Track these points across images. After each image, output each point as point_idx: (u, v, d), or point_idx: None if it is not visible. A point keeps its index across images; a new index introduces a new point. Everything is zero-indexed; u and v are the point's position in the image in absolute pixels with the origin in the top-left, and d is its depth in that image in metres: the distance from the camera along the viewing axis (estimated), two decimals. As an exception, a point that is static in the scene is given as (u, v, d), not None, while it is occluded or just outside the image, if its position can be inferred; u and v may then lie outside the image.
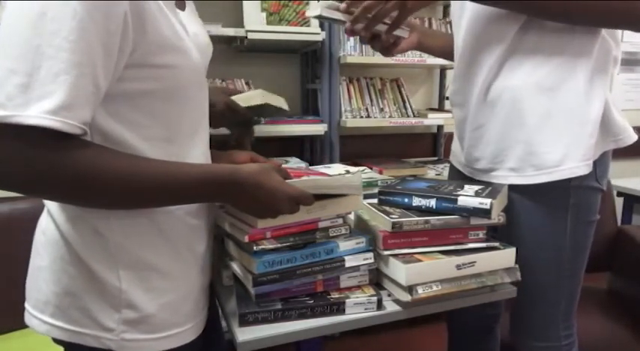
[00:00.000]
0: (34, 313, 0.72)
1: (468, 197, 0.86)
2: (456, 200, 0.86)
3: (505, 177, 0.98)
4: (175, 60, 0.66)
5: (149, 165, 0.64)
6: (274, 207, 0.71)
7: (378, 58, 2.12)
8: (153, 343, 0.70)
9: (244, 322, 0.76)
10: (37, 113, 0.53)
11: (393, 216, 0.84)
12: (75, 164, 0.58)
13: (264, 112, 1.22)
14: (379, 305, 0.82)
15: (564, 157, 0.92)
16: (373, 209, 0.89)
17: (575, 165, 0.92)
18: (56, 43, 0.54)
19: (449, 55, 1.18)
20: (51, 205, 0.70)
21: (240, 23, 1.83)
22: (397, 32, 1.04)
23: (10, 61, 0.54)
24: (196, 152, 0.75)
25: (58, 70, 0.54)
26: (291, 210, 0.73)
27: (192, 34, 0.72)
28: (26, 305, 0.74)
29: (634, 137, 0.99)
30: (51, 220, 0.70)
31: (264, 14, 1.86)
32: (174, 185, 0.65)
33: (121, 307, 0.68)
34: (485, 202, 0.84)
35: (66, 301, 0.68)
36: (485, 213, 0.84)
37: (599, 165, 0.96)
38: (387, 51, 1.10)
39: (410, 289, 0.80)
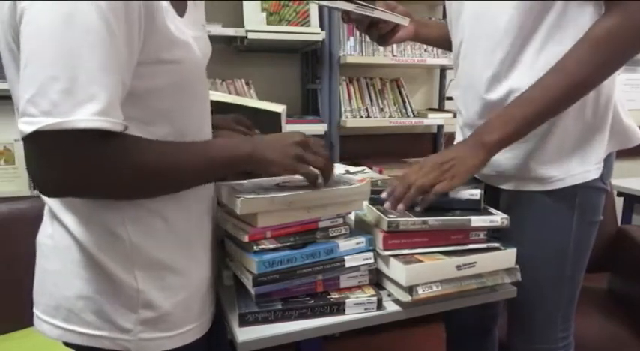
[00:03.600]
0: (44, 318, 0.71)
1: (458, 190, 0.89)
2: (447, 193, 0.88)
3: (515, 185, 0.98)
4: (181, 55, 0.67)
5: (187, 145, 0.68)
6: (287, 139, 0.74)
7: (378, 58, 2.12)
8: (168, 340, 0.71)
9: (244, 322, 0.76)
10: (87, 116, 0.54)
11: (391, 216, 0.84)
12: (126, 158, 0.60)
13: (259, 119, 1.19)
14: (379, 305, 0.81)
15: (575, 164, 0.92)
16: (373, 209, 0.89)
17: (585, 169, 0.92)
18: (89, 44, 0.54)
19: (444, 44, 1.18)
20: (59, 210, 0.69)
21: (240, 23, 1.83)
22: (397, 21, 1.04)
23: (48, 67, 0.53)
24: None
25: (97, 70, 0.55)
26: (304, 141, 0.75)
27: (192, 37, 0.72)
28: (35, 311, 0.73)
29: None
30: (59, 225, 0.69)
31: (264, 14, 1.86)
32: (208, 155, 0.69)
33: (137, 307, 0.68)
34: (475, 194, 0.86)
35: (79, 305, 0.68)
36: (476, 204, 0.86)
37: (605, 166, 0.96)
38: (384, 40, 1.10)
39: (410, 289, 0.79)
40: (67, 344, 0.71)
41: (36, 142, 0.55)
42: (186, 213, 0.73)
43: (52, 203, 0.70)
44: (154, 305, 0.69)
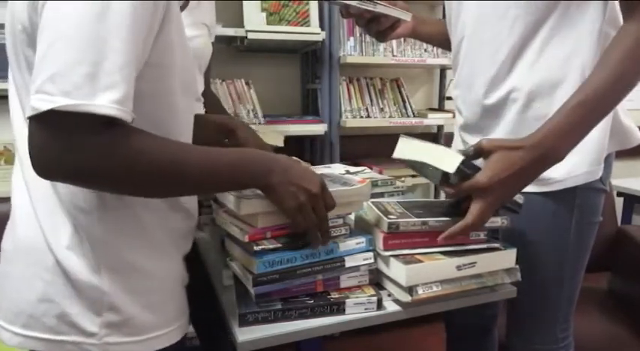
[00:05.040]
0: (3, 326, 0.68)
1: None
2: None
3: None
4: (179, 61, 0.67)
5: (194, 148, 0.67)
6: (306, 184, 0.71)
7: (378, 58, 2.12)
8: (137, 345, 0.68)
9: (244, 322, 0.76)
10: (106, 103, 0.54)
11: (392, 216, 0.84)
12: (132, 149, 0.59)
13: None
14: (379, 305, 0.82)
15: (575, 165, 0.92)
16: (373, 209, 0.89)
17: (585, 170, 0.92)
18: (121, 35, 0.55)
19: (443, 42, 1.18)
20: (25, 212, 0.68)
21: (240, 23, 1.83)
22: (399, 15, 1.04)
23: (76, 51, 0.54)
24: None
25: (122, 61, 0.56)
26: (317, 196, 0.72)
27: (192, 35, 0.72)
28: None
29: (639, 139, 0.99)
30: (24, 226, 0.68)
31: (264, 14, 1.86)
32: (217, 163, 0.67)
33: (102, 310, 0.66)
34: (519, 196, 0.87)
35: (41, 309, 0.65)
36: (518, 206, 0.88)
37: (604, 166, 0.96)
38: (383, 36, 1.10)
39: (410, 289, 0.79)
40: None
41: (46, 121, 0.55)
42: (158, 213, 0.71)
43: (30, 199, 0.69)
44: (120, 308, 0.67)
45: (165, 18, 0.62)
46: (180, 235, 0.76)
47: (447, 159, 0.79)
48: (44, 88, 0.54)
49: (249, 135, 0.98)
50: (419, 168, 0.90)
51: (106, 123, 0.56)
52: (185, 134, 0.75)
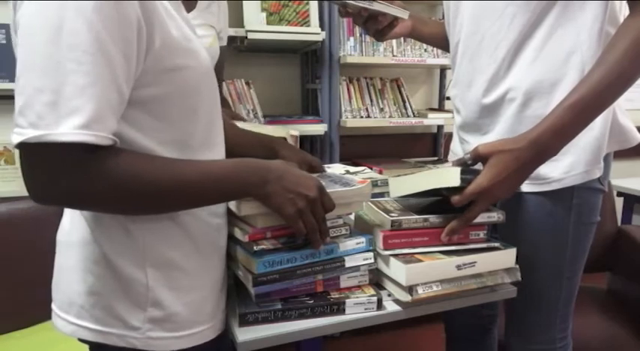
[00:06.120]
0: (59, 314, 0.73)
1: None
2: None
3: None
4: (185, 62, 0.66)
5: (182, 164, 0.66)
6: (303, 189, 0.72)
7: (378, 58, 2.12)
8: (177, 341, 0.71)
9: (244, 322, 0.77)
10: (69, 130, 0.54)
11: (393, 214, 0.84)
12: (112, 173, 0.59)
13: None
14: (379, 305, 0.82)
15: (573, 165, 0.92)
16: (374, 208, 0.89)
17: (583, 170, 0.92)
18: (77, 56, 0.54)
19: (441, 42, 1.18)
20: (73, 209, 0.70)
21: (240, 23, 1.83)
22: (396, 13, 1.04)
23: (35, 79, 0.54)
24: (214, 156, 0.76)
25: (83, 83, 0.54)
26: (315, 200, 0.72)
27: (199, 35, 0.72)
28: (53, 306, 0.75)
29: (638, 139, 0.98)
30: (76, 221, 0.70)
31: (264, 14, 1.86)
32: (209, 177, 0.67)
33: (147, 305, 0.69)
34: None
35: (91, 301, 0.69)
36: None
37: (603, 166, 0.96)
38: (381, 35, 1.09)
39: (410, 289, 0.80)
40: (81, 340, 0.72)
41: (25, 152, 0.56)
42: (198, 215, 0.72)
43: None
44: (163, 304, 0.69)
45: (149, 25, 0.60)
46: (215, 232, 0.77)
47: (446, 176, 0.83)
48: (17, 121, 0.55)
49: (291, 153, 1.00)
50: (419, 196, 0.93)
51: (85, 149, 0.56)
52: (212, 132, 0.75)
